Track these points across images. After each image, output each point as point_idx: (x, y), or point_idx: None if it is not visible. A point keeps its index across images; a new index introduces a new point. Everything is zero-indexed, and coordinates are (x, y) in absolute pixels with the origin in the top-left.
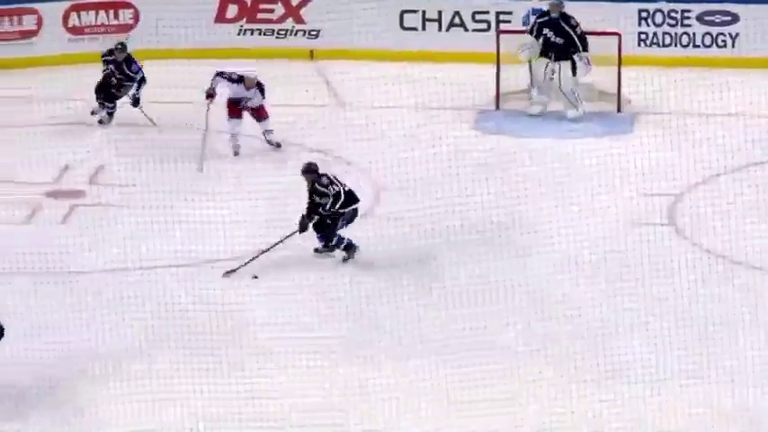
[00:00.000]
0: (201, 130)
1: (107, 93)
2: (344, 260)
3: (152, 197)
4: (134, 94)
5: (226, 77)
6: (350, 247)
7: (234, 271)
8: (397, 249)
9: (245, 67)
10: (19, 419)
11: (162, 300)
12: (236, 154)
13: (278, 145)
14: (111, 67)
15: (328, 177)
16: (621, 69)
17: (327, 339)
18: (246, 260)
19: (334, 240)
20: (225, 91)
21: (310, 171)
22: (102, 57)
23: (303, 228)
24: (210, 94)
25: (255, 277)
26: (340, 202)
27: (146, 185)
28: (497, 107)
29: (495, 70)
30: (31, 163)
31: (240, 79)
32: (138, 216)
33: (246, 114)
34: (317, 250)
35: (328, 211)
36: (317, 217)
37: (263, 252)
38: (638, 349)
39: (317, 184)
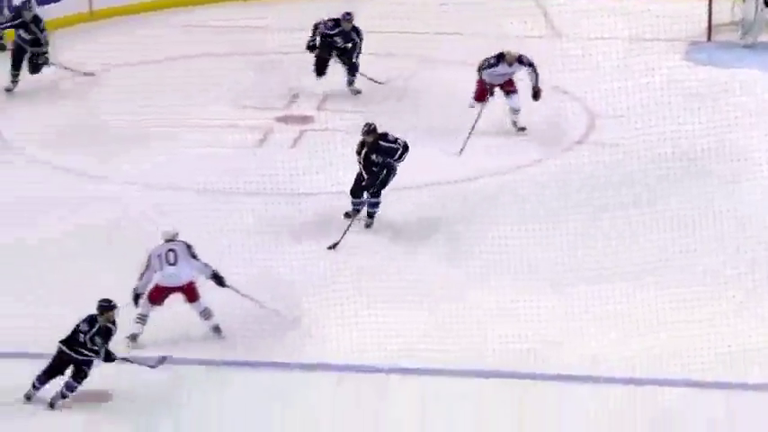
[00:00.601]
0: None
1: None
2: (367, 226)
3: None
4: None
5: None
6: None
7: (336, 244)
8: (612, 174)
9: None
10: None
11: (385, 220)
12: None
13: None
14: (332, 34)
15: (388, 133)
16: None
17: (549, 262)
18: (344, 232)
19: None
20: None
21: (373, 131)
22: (322, 30)
23: (368, 188)
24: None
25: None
26: (407, 153)
27: (371, 112)
28: (709, 38)
29: (707, 2)
30: (263, 89)
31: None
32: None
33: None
34: (347, 215)
35: (397, 162)
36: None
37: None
38: None
39: (381, 141)
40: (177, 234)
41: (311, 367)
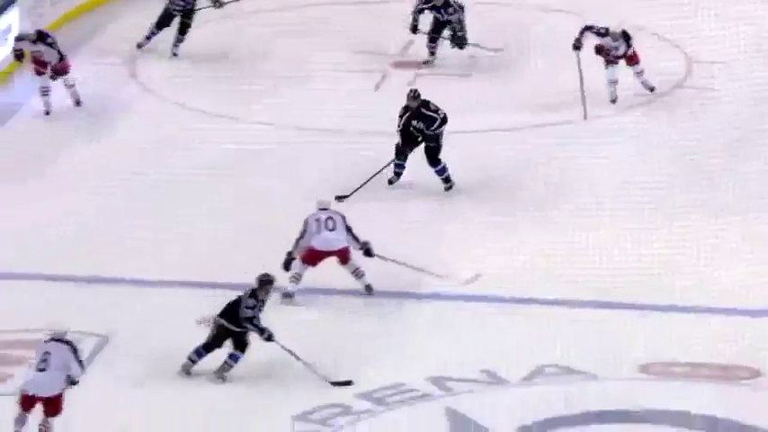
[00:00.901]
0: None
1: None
2: (447, 189)
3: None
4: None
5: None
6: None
7: (346, 197)
8: (713, 116)
9: None
10: None
11: (514, 158)
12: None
13: (651, 89)
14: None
15: (431, 102)
16: None
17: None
18: (356, 187)
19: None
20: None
21: (418, 97)
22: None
23: (400, 153)
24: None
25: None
26: (445, 124)
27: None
28: None
29: None
30: (382, 36)
31: (606, 32)
32: (479, 83)
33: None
34: (448, 186)
35: (432, 132)
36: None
37: (368, 180)
38: None
39: (423, 109)
40: (330, 203)
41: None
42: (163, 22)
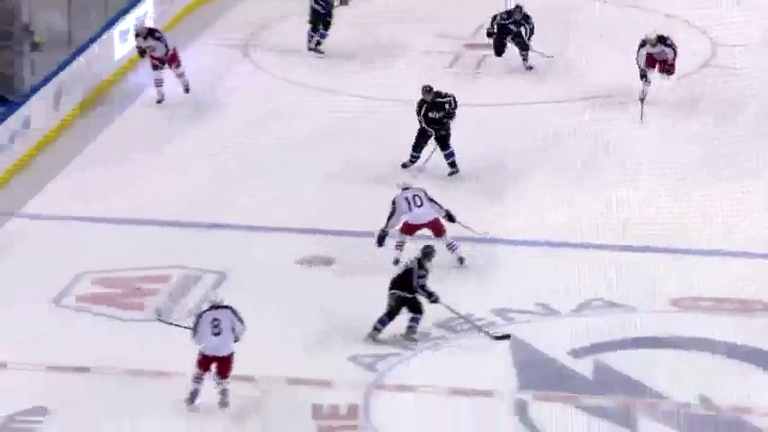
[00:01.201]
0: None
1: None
2: (451, 174)
3: None
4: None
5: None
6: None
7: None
8: (735, 92)
9: None
10: None
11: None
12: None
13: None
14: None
15: (440, 90)
16: None
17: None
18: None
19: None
20: None
21: (431, 90)
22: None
23: (417, 146)
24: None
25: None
26: (457, 104)
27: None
28: None
29: None
30: (454, 19)
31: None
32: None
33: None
34: (453, 171)
35: (451, 113)
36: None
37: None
38: None
39: (438, 98)
40: (410, 185)
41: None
42: (315, 21)
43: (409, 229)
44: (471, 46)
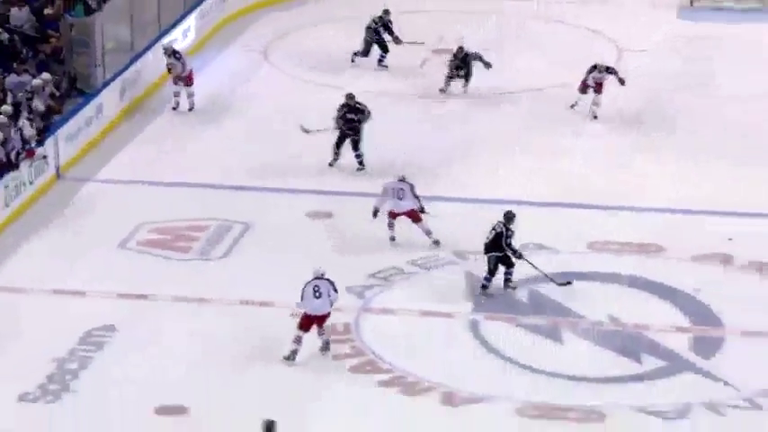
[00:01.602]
0: None
1: None
2: (359, 170)
3: None
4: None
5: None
6: None
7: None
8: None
9: None
10: None
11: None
12: None
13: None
14: None
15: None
16: None
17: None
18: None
19: None
20: None
21: (353, 96)
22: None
23: (337, 146)
24: None
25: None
26: (370, 116)
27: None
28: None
29: None
30: (422, 30)
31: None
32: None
33: None
34: (361, 168)
35: (364, 119)
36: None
37: None
38: None
39: (358, 105)
40: (405, 177)
41: None
42: (366, 50)
43: (393, 215)
44: (438, 51)
